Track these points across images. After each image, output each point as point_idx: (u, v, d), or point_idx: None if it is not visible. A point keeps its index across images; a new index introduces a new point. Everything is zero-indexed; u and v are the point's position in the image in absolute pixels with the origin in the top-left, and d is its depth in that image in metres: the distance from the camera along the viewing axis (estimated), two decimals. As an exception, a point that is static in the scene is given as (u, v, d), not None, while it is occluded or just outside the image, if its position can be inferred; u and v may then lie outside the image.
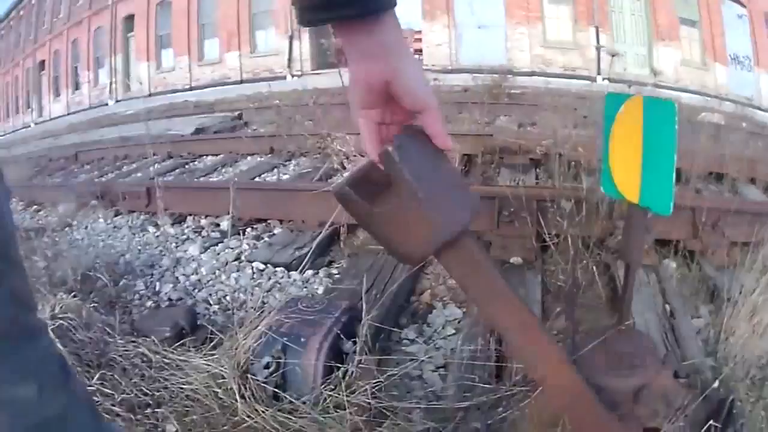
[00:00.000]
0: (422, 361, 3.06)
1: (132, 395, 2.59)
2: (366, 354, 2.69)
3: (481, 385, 2.72)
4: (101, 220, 5.29)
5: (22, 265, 1.15)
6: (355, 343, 2.73)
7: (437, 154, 1.24)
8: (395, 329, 3.13)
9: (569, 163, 5.32)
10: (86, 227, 5.14)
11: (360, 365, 2.62)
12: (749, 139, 8.08)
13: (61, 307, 2.96)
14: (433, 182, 1.20)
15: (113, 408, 2.51)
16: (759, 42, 23.89)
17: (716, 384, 2.70)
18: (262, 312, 2.86)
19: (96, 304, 3.19)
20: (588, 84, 21.22)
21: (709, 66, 24.45)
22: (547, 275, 3.85)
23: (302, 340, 2.64)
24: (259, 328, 2.73)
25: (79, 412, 1.21)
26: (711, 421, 2.31)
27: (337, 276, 3.77)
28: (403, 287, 3.57)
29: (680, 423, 2.38)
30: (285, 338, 2.65)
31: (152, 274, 3.90)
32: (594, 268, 3.72)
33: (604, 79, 23.81)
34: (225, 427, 2.45)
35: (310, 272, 3.80)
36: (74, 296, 3.14)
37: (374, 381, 2.57)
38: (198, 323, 3.18)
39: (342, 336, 2.73)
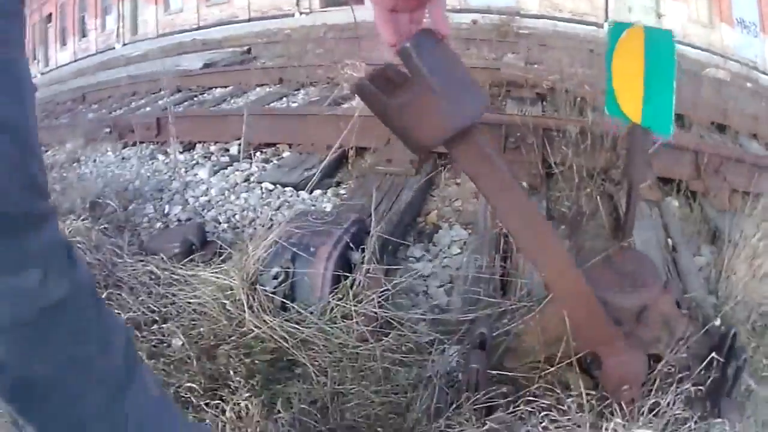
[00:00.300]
0: (428, 276, 3.09)
1: (139, 313, 2.63)
2: (374, 264, 2.70)
3: (486, 298, 2.76)
4: (110, 153, 5.27)
5: (41, 156, 1.17)
6: (363, 252, 2.74)
7: (451, 54, 1.33)
8: (404, 242, 3.17)
9: (575, 98, 5.32)
10: (95, 161, 5.12)
11: (368, 275, 2.63)
12: (753, 98, 7.98)
13: (69, 231, 2.99)
14: (447, 77, 1.27)
15: None
16: (765, 9, 23.58)
17: (718, 321, 2.74)
18: (271, 226, 2.91)
19: (105, 228, 3.22)
20: (595, 29, 21.11)
21: (716, 25, 24.12)
22: (552, 201, 3.88)
23: (311, 249, 2.66)
24: (269, 239, 2.74)
25: (81, 298, 1.23)
26: (714, 354, 2.35)
27: (345, 195, 3.79)
28: (411, 206, 3.58)
29: (683, 354, 2.41)
30: (294, 248, 2.66)
31: (161, 198, 3.93)
32: (598, 197, 3.75)
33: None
34: (232, 338, 2.48)
35: (318, 191, 3.83)
36: (83, 220, 3.16)
37: (381, 290, 2.60)
38: (207, 239, 3.21)
39: (351, 246, 2.75)
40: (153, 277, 2.84)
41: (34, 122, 1.13)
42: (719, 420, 2.22)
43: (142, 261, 2.91)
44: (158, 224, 3.58)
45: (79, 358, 1.22)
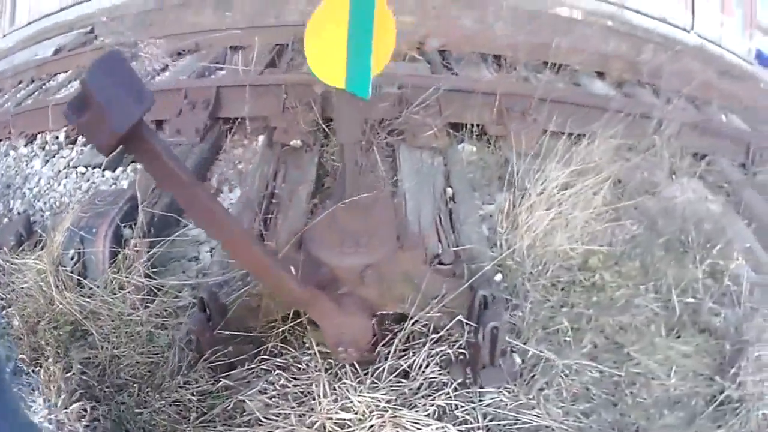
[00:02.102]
0: (203, 242, 3.50)
1: None
2: (140, 238, 3.15)
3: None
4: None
5: None
6: (133, 229, 3.22)
7: (122, 68, 1.45)
8: (172, 215, 3.46)
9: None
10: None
11: (135, 248, 3.08)
12: (610, 36, 7.32)
13: None
14: (110, 90, 1.37)
15: None
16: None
17: (498, 276, 2.88)
18: (61, 223, 3.30)
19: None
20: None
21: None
22: (325, 156, 4.09)
23: (94, 231, 3.12)
24: (65, 225, 3.20)
25: None
26: (460, 316, 2.43)
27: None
28: (198, 172, 4.01)
29: (436, 313, 2.46)
30: (82, 231, 3.11)
31: (8, 194, 4.26)
32: (375, 149, 3.94)
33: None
34: (47, 315, 2.94)
35: (120, 169, 4.22)
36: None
37: (143, 262, 3.02)
38: (34, 229, 3.66)
39: (123, 224, 3.21)
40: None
41: None
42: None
43: None
44: (5, 219, 3.99)
45: None
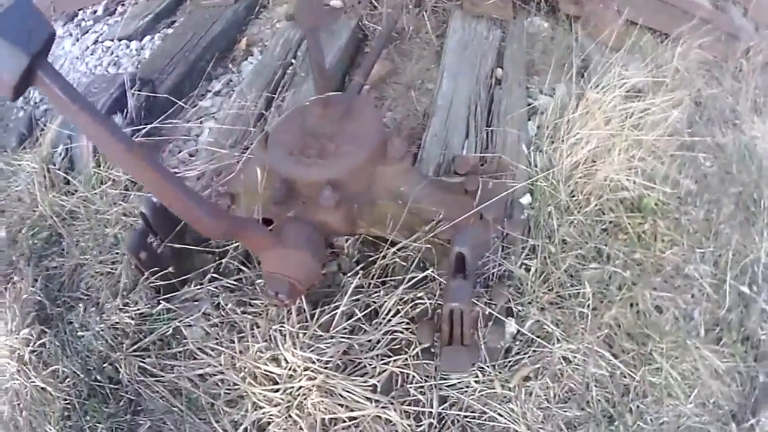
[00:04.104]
0: (215, 112, 3.11)
1: None
2: (129, 125, 2.82)
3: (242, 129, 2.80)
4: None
5: None
6: (124, 115, 2.87)
7: (19, 11, 1.35)
8: (173, 100, 3.04)
9: None
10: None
11: None
12: None
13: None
14: (2, 44, 1.29)
15: None
16: None
17: (527, 199, 2.32)
18: None
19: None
20: None
21: None
22: (366, 20, 3.52)
23: None
24: (57, 120, 2.92)
25: None
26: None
27: (170, 34, 3.73)
28: (219, 39, 3.53)
29: (425, 244, 2.06)
30: (71, 125, 2.79)
31: None
32: (425, 14, 3.39)
33: None
34: (28, 221, 2.72)
35: (147, 38, 3.80)
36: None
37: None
38: (38, 126, 3.33)
39: (113, 111, 2.86)
40: (0, 172, 3.05)
41: None
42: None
43: None
44: (21, 113, 3.63)
45: None
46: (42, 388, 2.08)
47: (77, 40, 4.08)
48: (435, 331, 1.91)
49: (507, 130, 2.61)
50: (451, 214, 2.07)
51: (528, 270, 2.13)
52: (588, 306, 2.03)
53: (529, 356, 1.94)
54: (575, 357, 1.95)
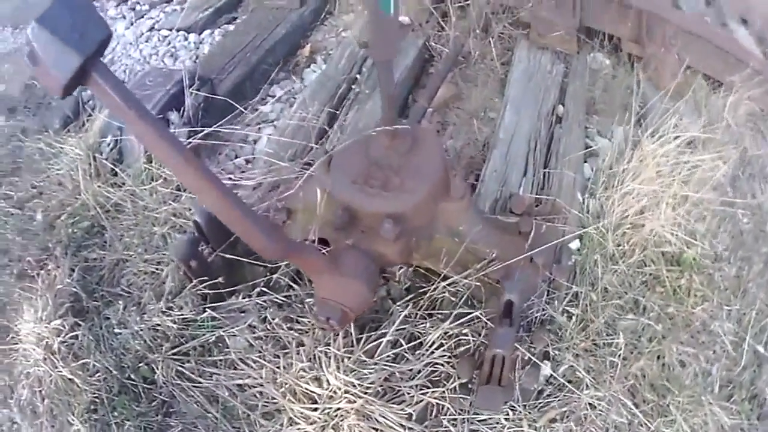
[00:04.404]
0: (273, 120, 3.36)
1: (24, 192, 3.14)
2: (186, 124, 3.05)
3: (302, 143, 3.03)
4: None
5: None
6: (181, 114, 3.09)
7: (71, 8, 1.43)
8: (231, 102, 3.24)
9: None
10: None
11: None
12: None
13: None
14: (48, 39, 1.38)
15: (9, 209, 3.07)
16: None
17: (575, 244, 2.57)
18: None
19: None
20: None
21: None
22: (433, 40, 3.78)
23: None
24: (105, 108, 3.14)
25: None
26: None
27: (232, 31, 4.01)
28: (282, 43, 3.80)
29: (474, 281, 2.28)
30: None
31: None
32: (491, 40, 3.65)
33: None
34: (69, 208, 2.94)
35: (207, 32, 4.07)
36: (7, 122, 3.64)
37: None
38: (84, 109, 3.56)
39: (169, 107, 3.09)
40: (40, 152, 3.30)
41: None
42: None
43: (38, 138, 3.37)
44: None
45: None
46: (69, 379, 2.26)
47: (131, 24, 4.33)
48: (474, 368, 2.13)
49: (564, 172, 2.85)
50: (504, 254, 2.28)
51: (570, 317, 2.37)
52: (619, 356, 2.29)
53: (558, 399, 2.18)
54: (600, 404, 2.19)
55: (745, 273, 2.75)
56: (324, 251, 2.22)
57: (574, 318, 2.36)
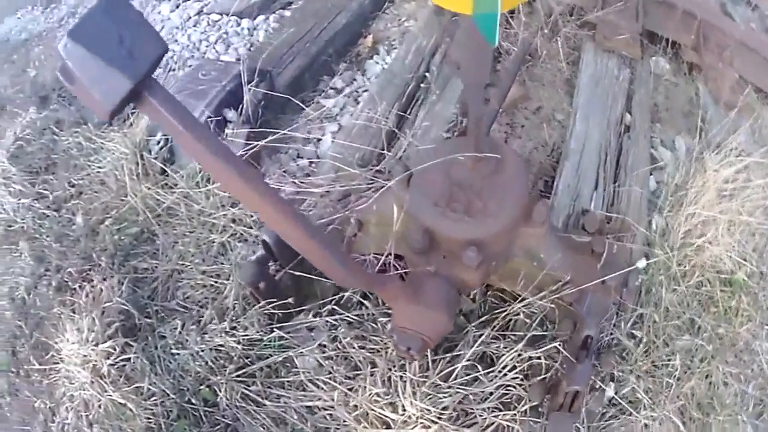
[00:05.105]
0: (338, 114, 3.50)
1: (61, 191, 3.27)
2: (245, 123, 3.15)
3: (371, 149, 3.14)
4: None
5: None
6: (239, 111, 3.21)
7: (116, 20, 1.37)
8: (288, 97, 3.38)
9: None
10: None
11: (229, 139, 3.06)
12: None
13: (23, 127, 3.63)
14: (91, 61, 1.32)
15: (43, 210, 3.20)
16: None
17: (642, 263, 2.75)
18: (169, 86, 3.34)
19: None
20: None
21: None
22: (501, 38, 3.86)
23: None
24: None
25: None
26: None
27: (288, 18, 4.16)
28: (343, 33, 3.95)
29: (549, 303, 2.43)
30: None
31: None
32: (558, 39, 3.86)
33: None
34: (114, 211, 3.07)
35: (261, 18, 4.22)
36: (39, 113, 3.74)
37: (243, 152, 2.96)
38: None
39: (227, 104, 3.21)
40: (79, 147, 3.44)
41: None
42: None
43: (76, 131, 3.51)
44: None
45: None
46: (121, 404, 2.40)
47: (176, 6, 4.49)
48: (546, 392, 2.32)
49: (632, 188, 3.07)
50: (578, 276, 2.43)
51: (636, 340, 2.61)
52: (675, 377, 2.55)
53: (618, 420, 2.45)
54: (653, 423, 2.45)
55: (788, 291, 3.02)
56: (402, 273, 2.39)
57: (637, 339, 2.61)
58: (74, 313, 2.67)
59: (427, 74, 3.65)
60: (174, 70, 3.90)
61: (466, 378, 2.37)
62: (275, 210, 1.71)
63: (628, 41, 3.90)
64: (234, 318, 2.56)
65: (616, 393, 2.49)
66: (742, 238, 2.97)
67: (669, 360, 2.60)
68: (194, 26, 4.27)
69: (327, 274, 1.99)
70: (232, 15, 4.26)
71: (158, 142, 3.19)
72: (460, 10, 1.83)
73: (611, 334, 2.56)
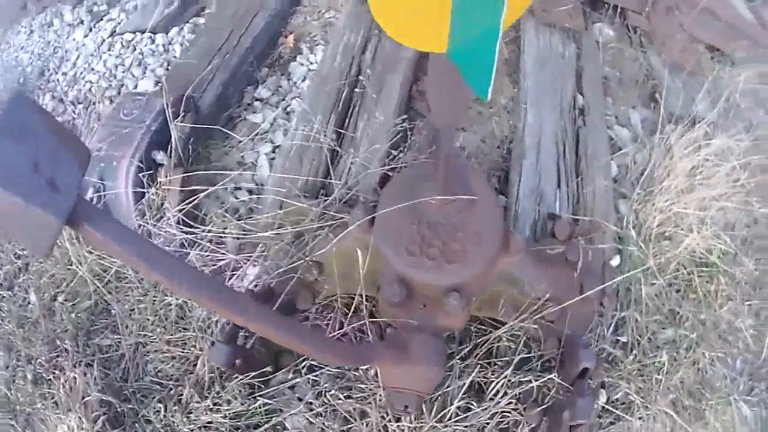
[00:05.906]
0: (269, 128, 3.34)
1: (9, 264, 3.13)
2: (175, 165, 2.99)
3: (313, 178, 3.01)
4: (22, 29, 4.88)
5: None
6: (168, 153, 3.02)
7: (23, 140, 1.16)
8: (219, 128, 3.27)
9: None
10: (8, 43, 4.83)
11: (164, 186, 2.91)
12: None
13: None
14: (9, 201, 1.08)
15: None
16: None
17: (616, 260, 2.75)
18: (92, 130, 3.19)
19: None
20: None
21: None
22: None
23: (114, 164, 2.92)
24: None
25: None
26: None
27: (203, 27, 3.95)
28: (271, 29, 3.78)
29: (531, 324, 2.37)
30: (101, 164, 2.93)
31: (40, 87, 4.14)
32: None
33: None
34: (64, 284, 2.92)
35: (175, 30, 4.00)
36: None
37: (178, 208, 2.84)
38: None
39: (156, 146, 3.04)
40: None
41: None
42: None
43: None
44: None
45: None
46: None
47: (90, 29, 4.27)
48: (543, 414, 2.29)
49: (597, 181, 2.98)
50: (557, 291, 2.38)
51: (620, 344, 2.63)
52: (663, 371, 2.58)
53: (613, 425, 2.48)
54: (647, 421, 2.49)
55: (762, 265, 3.03)
56: (387, 332, 2.35)
57: (622, 343, 2.62)
58: (57, 406, 2.57)
59: (360, 77, 3.45)
60: (94, 104, 3.71)
61: (460, 413, 2.32)
62: (256, 324, 1.62)
63: (570, 12, 3.79)
64: (216, 394, 2.47)
65: (608, 399, 2.50)
66: (715, 217, 2.96)
67: (655, 356, 2.61)
68: (108, 50, 4.06)
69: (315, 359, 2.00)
70: (144, 32, 4.03)
71: (91, 199, 2.95)
72: (428, 48, 1.54)
73: (597, 343, 2.54)
